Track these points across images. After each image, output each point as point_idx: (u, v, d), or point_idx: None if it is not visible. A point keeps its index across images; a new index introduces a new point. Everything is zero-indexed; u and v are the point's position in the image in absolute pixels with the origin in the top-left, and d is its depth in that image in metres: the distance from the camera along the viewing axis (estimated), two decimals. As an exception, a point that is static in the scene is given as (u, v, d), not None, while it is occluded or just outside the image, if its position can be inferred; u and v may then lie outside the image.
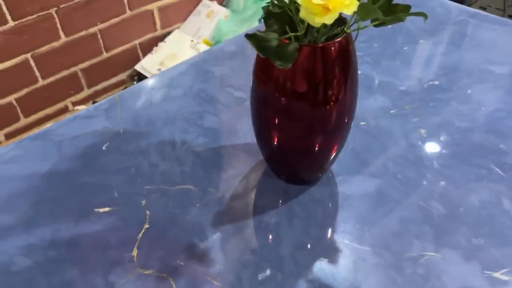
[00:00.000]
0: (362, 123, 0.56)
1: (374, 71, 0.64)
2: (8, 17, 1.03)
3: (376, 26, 0.42)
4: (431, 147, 0.53)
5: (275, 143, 0.49)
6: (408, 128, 0.55)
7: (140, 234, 0.42)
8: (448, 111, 0.57)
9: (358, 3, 0.34)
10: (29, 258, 0.40)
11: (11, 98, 1.13)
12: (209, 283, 0.38)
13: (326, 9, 0.34)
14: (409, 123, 0.55)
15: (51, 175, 0.48)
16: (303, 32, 0.38)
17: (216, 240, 0.42)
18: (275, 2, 0.38)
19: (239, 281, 0.39)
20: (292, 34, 0.39)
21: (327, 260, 0.41)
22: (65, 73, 1.20)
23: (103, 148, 0.52)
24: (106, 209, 0.45)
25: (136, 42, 1.29)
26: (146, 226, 0.43)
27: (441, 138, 0.54)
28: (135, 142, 0.53)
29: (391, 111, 0.57)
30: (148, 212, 0.44)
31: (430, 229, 0.43)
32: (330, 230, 0.44)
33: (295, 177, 0.52)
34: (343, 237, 0.43)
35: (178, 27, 1.37)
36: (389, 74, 0.64)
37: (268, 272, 0.39)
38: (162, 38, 1.34)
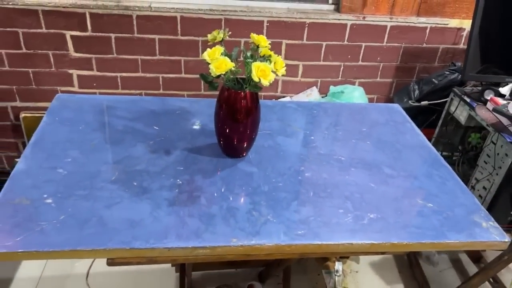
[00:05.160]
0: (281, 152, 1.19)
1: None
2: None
3: (249, 90, 1.07)
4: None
5: (219, 133, 1.17)
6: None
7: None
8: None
9: (225, 72, 1.01)
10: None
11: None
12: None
13: (214, 71, 1.02)
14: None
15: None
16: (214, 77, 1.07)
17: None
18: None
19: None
20: (221, 81, 1.08)
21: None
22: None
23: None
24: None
25: (262, 94, 2.06)
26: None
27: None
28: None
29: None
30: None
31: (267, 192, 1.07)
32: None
33: (227, 152, 1.18)
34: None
35: (291, 96, 2.08)
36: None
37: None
38: (278, 98, 2.08)
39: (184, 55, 1.90)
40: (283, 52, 1.94)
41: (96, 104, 1.38)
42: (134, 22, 1.82)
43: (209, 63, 1.03)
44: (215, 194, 1.05)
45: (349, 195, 1.10)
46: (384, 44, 1.99)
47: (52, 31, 1.81)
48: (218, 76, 1.05)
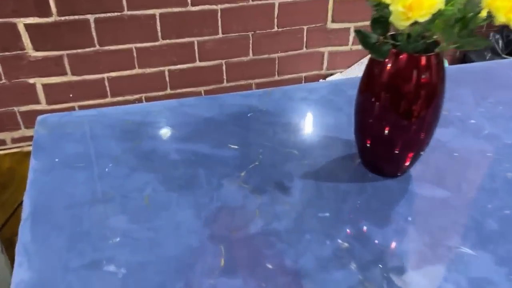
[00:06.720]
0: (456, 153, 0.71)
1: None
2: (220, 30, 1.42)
3: (457, 48, 0.58)
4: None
5: (366, 138, 0.67)
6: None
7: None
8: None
9: (430, 16, 0.51)
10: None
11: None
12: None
13: (407, 17, 0.52)
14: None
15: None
16: (403, 40, 0.56)
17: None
18: (377, 11, 0.57)
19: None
20: (391, 42, 0.57)
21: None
22: (242, 82, 1.55)
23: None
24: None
25: (303, 74, 1.57)
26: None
27: None
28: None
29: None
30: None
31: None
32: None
33: (380, 167, 0.69)
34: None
35: (341, 72, 1.61)
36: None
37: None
38: (325, 77, 1.60)
39: (198, 34, 1.36)
40: (329, 12, 1.45)
41: (113, 123, 0.82)
42: (123, -7, 1.25)
43: (389, 3, 0.53)
44: (426, 254, 0.56)
45: None
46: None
47: (-6, 22, 1.20)
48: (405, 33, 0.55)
